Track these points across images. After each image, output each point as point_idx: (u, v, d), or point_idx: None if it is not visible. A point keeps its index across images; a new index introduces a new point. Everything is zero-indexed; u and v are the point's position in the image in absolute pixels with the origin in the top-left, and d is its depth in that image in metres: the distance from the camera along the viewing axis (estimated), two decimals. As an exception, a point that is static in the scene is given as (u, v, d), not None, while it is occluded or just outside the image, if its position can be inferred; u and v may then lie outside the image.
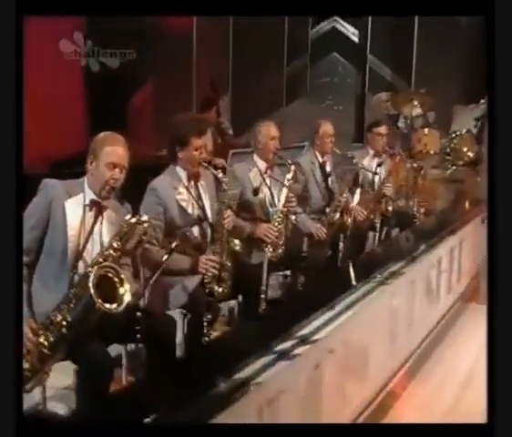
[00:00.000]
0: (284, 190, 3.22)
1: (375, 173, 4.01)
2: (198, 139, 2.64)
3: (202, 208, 2.72)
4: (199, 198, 2.73)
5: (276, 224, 3.20)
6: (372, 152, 4.33)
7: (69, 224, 2.11)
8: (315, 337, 1.97)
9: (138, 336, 1.93)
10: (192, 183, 2.72)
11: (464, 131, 5.41)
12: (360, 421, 2.18)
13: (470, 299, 3.77)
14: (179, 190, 2.66)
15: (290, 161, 3.32)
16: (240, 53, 6.68)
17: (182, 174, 2.69)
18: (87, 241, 2.13)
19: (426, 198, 5.15)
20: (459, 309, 3.55)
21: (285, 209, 3.23)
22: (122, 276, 1.95)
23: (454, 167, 5.18)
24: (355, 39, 7.88)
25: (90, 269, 1.93)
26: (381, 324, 2.44)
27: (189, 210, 2.68)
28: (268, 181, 3.33)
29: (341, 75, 7.93)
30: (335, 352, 2.03)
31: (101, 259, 1.98)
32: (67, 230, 2.11)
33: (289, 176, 3.26)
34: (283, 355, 1.82)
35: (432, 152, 5.20)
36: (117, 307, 1.92)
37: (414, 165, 5.16)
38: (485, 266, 4.09)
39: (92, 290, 1.85)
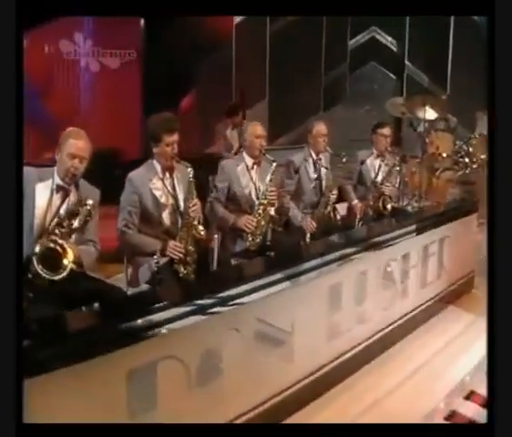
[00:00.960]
0: (265, 183, 3.23)
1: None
2: (169, 136, 2.71)
3: (175, 197, 2.80)
4: (174, 188, 2.80)
5: (257, 216, 3.23)
6: (375, 152, 4.22)
7: (37, 204, 2.28)
8: (237, 300, 1.95)
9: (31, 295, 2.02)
10: (168, 175, 2.80)
11: (477, 135, 5.07)
12: (267, 405, 2.09)
13: (450, 302, 3.47)
14: (153, 181, 2.76)
15: (272, 159, 3.32)
16: (279, 61, 6.68)
17: (157, 167, 2.79)
18: (52, 219, 2.28)
19: (437, 199, 4.88)
20: (433, 308, 3.28)
21: (265, 202, 3.23)
22: (67, 248, 2.08)
23: (466, 170, 4.84)
24: (394, 48, 7.60)
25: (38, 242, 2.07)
26: (318, 304, 2.35)
27: (162, 199, 2.76)
28: (254, 176, 3.35)
29: (379, 82, 7.68)
30: (254, 323, 2.01)
31: (51, 235, 2.12)
32: (35, 209, 2.27)
33: (271, 170, 3.27)
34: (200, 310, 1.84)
35: (444, 155, 4.91)
36: (60, 275, 2.04)
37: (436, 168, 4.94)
38: (481, 267, 3.79)
39: (34, 260, 1.99)
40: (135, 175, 2.76)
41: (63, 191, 2.33)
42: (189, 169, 2.74)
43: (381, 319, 2.80)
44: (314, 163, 3.75)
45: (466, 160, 4.88)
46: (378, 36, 7.63)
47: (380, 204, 4.03)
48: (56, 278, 2.05)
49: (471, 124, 6.01)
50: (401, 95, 7.41)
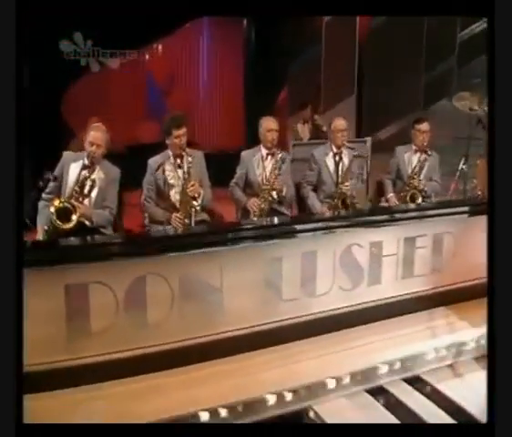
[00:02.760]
0: (262, 170, 3.79)
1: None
2: (177, 131, 3.46)
3: (185, 179, 3.54)
4: (183, 172, 3.55)
5: (262, 200, 3.79)
6: (414, 147, 4.34)
7: (69, 177, 3.26)
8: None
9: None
10: (178, 161, 3.56)
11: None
12: (188, 343, 2.58)
13: (440, 303, 3.39)
14: (166, 166, 3.55)
15: (279, 151, 3.82)
16: (372, 58, 6.84)
17: (170, 154, 3.56)
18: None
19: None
20: (413, 304, 3.35)
21: (268, 187, 3.77)
22: (76, 207, 3.01)
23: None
24: (512, 38, 7.00)
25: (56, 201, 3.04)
26: (255, 270, 2.82)
27: (171, 181, 3.54)
28: (267, 166, 3.90)
29: (494, 75, 7.16)
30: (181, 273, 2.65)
31: (66, 197, 3.07)
32: (68, 181, 3.26)
33: (274, 161, 3.79)
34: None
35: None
36: (68, 224, 2.98)
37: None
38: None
39: (51, 214, 2.97)
40: (152, 161, 3.59)
41: (88, 169, 3.27)
42: (190, 158, 3.46)
43: (338, 297, 3.12)
44: (334, 156, 4.10)
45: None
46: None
47: (408, 198, 4.17)
48: (65, 227, 2.98)
49: None
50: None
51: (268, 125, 3.88)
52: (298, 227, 2.95)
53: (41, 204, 3.26)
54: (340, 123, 4.09)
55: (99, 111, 6.70)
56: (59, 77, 5.98)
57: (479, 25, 7.24)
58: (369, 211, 3.50)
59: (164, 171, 3.55)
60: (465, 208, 3.60)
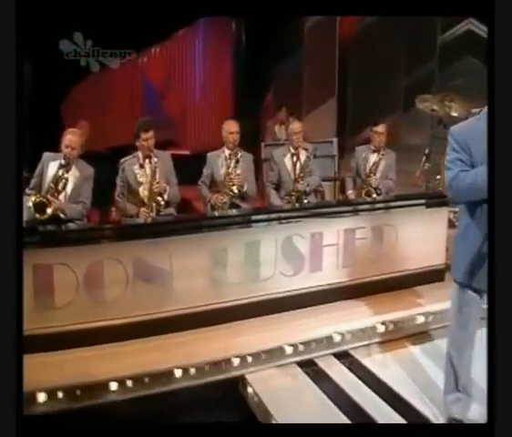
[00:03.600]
0: (225, 169, 4.22)
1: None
2: (145, 134, 3.91)
3: (151, 177, 3.99)
4: (150, 171, 4.00)
5: (224, 195, 4.22)
6: (372, 148, 4.70)
7: (48, 174, 3.74)
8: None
9: None
10: (147, 161, 4.01)
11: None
12: (141, 318, 3.13)
13: (362, 295, 3.75)
14: (135, 165, 4.01)
15: (239, 151, 4.25)
16: (353, 61, 7.19)
17: (140, 155, 4.02)
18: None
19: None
20: (350, 291, 3.72)
21: (230, 184, 4.20)
22: (51, 201, 3.50)
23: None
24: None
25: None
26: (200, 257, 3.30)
27: (140, 179, 3.99)
28: (230, 165, 4.32)
29: (475, 77, 7.44)
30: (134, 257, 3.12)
31: (43, 193, 3.56)
32: (47, 177, 3.74)
33: (234, 159, 4.22)
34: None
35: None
36: (44, 215, 3.47)
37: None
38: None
39: (29, 207, 3.46)
40: (122, 160, 4.04)
41: (64, 168, 3.75)
42: (156, 159, 3.92)
43: (280, 283, 3.55)
44: (292, 156, 4.50)
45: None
46: (475, 29, 7.39)
47: (363, 194, 4.55)
48: (42, 218, 3.47)
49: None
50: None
51: (229, 128, 4.30)
52: (242, 218, 3.41)
53: (24, 198, 3.74)
54: (295, 126, 4.48)
55: (97, 112, 7.21)
56: (59, 77, 6.36)
57: (461, 28, 7.51)
58: (310, 205, 3.90)
59: (124, 170, 4.00)
60: (404, 202, 4.06)
